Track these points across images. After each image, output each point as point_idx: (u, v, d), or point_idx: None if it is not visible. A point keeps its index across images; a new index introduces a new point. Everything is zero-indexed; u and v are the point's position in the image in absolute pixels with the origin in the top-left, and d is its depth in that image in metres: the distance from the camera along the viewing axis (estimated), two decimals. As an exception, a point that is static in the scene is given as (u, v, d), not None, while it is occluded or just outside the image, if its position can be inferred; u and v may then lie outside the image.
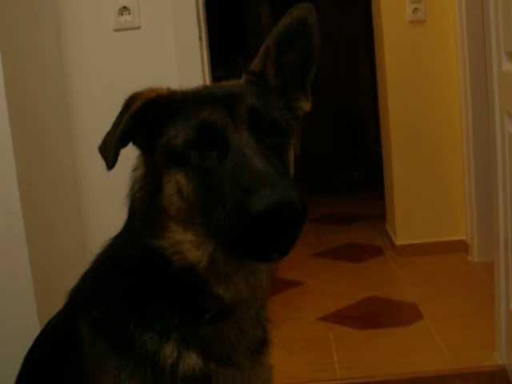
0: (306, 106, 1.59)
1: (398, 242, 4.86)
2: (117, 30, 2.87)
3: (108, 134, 1.39)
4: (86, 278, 1.55)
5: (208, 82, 2.79)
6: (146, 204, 1.43)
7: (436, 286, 4.16)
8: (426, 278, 4.37)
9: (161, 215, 1.40)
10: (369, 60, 8.42)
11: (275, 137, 1.40)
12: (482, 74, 4.10)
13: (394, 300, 4.05)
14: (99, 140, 1.40)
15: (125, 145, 1.40)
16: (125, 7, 2.82)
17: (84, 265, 1.53)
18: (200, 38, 2.77)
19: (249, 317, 1.53)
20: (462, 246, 4.68)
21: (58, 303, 1.55)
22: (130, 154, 1.44)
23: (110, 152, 1.36)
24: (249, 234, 1.24)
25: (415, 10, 4.55)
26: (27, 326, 2.30)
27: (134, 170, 1.49)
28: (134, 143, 1.44)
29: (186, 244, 1.38)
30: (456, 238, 4.74)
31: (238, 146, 1.32)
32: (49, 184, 2.73)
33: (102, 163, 1.37)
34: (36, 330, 1.71)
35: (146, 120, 1.39)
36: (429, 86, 4.65)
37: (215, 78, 3.10)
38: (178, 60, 2.76)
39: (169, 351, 1.42)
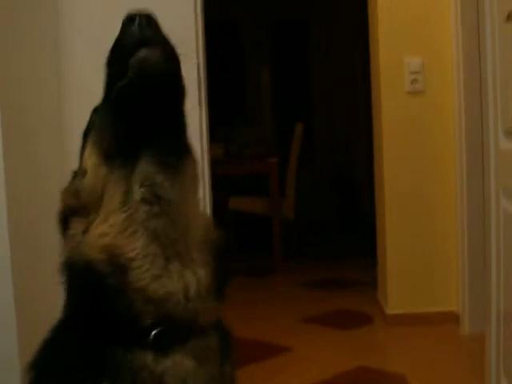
0: None
1: (389, 310, 4.82)
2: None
3: None
4: (32, 369, 1.47)
5: (206, 146, 2.80)
6: (72, 242, 1.42)
7: (425, 357, 4.11)
8: (416, 348, 4.32)
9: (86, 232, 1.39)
10: (365, 130, 8.50)
11: None
12: (479, 149, 4.11)
13: (382, 370, 4.00)
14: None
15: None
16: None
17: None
18: (200, 103, 2.78)
19: (207, 349, 1.42)
20: (453, 317, 4.65)
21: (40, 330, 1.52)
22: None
23: None
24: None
25: (414, 81, 4.60)
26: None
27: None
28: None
29: (102, 228, 1.36)
30: (447, 309, 4.71)
31: None
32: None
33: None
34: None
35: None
36: (426, 157, 4.68)
37: (215, 137, 3.12)
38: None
39: None
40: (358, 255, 7.15)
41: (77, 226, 1.43)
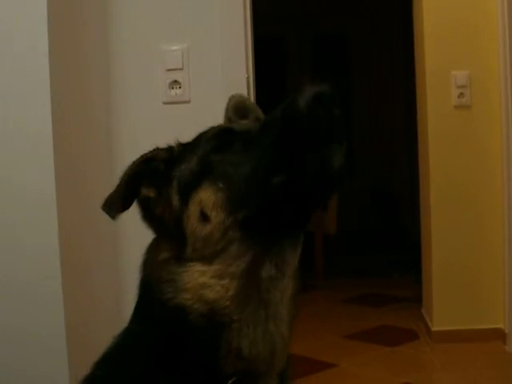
0: None
1: (434, 327, 4.77)
2: (166, 103, 2.91)
3: (110, 194, 1.43)
4: (97, 368, 1.47)
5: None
6: (163, 268, 1.40)
7: (471, 375, 4.05)
8: (462, 365, 4.26)
9: (182, 266, 1.36)
10: (405, 143, 8.46)
11: None
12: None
13: (429, 388, 3.96)
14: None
15: (128, 204, 1.44)
16: (176, 81, 2.86)
17: (120, 323, 1.50)
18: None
19: None
20: (500, 335, 4.58)
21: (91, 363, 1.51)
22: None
23: (112, 210, 1.41)
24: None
25: (460, 95, 4.57)
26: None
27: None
28: (143, 217, 1.46)
29: (209, 280, 1.33)
30: (494, 326, 4.63)
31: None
32: (88, 247, 2.74)
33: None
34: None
35: (148, 176, 1.45)
36: (473, 171, 4.63)
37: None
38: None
39: None
40: (400, 270, 7.09)
41: (164, 247, 1.41)
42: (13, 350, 2.51)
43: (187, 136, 2.78)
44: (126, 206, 1.43)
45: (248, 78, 2.80)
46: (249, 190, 1.30)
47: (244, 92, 2.74)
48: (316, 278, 6.92)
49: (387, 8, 8.96)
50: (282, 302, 1.37)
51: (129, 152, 2.86)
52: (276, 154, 1.28)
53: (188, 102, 2.87)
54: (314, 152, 1.25)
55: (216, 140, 1.40)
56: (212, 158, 1.38)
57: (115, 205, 1.41)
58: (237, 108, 1.64)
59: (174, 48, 2.86)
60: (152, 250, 1.44)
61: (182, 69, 2.85)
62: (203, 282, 1.33)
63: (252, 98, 2.82)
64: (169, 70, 2.86)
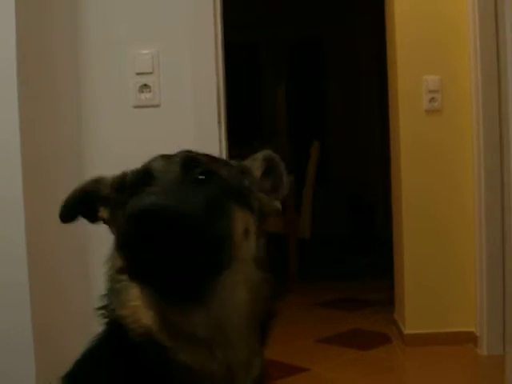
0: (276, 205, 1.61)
1: (407, 330, 4.78)
2: (136, 107, 2.90)
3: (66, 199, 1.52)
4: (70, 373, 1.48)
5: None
6: (111, 280, 1.41)
7: (444, 378, 4.08)
8: (434, 368, 4.28)
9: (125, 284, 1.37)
10: (380, 148, 8.49)
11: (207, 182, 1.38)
12: (497, 168, 4.12)
13: (402, 391, 3.97)
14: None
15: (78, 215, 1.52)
16: (145, 85, 2.85)
17: (88, 320, 1.49)
18: (219, 121, 2.78)
19: None
20: (471, 338, 4.60)
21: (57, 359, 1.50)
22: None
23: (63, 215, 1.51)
24: (130, 238, 1.20)
25: (432, 100, 4.59)
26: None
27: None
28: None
29: (142, 306, 1.33)
30: (465, 330, 4.66)
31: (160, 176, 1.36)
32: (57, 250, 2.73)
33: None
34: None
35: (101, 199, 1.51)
36: (444, 176, 4.65)
37: (230, 157, 3.11)
38: (195, 140, 2.76)
39: None
40: (373, 275, 7.12)
41: (115, 262, 1.41)
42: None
43: (157, 139, 2.79)
44: (75, 216, 1.51)
45: (218, 82, 2.80)
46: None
47: (214, 98, 2.75)
48: (289, 282, 6.91)
49: (360, 13, 9.00)
50: (221, 336, 1.34)
51: (99, 156, 2.87)
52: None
53: (158, 105, 2.87)
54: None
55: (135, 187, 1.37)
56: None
57: (66, 210, 1.50)
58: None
59: (144, 52, 2.85)
60: (112, 257, 1.44)
61: (151, 72, 2.85)
62: (136, 305, 1.34)
63: (222, 103, 2.82)
64: (139, 73, 2.86)
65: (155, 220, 1.17)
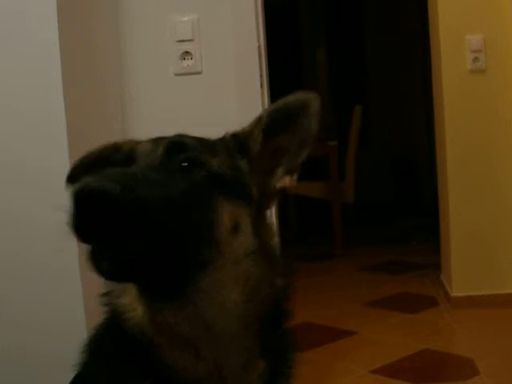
0: (289, 183, 1.46)
1: (454, 293, 4.76)
2: (178, 75, 2.90)
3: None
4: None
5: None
6: None
7: (493, 341, 4.05)
8: (483, 331, 4.25)
9: None
10: (424, 110, 8.40)
11: (190, 171, 1.29)
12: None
13: (448, 354, 3.95)
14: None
15: None
16: (187, 52, 2.84)
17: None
18: (261, 86, 2.77)
19: None
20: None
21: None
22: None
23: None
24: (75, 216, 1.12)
25: (475, 60, 4.52)
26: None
27: None
28: None
29: (134, 302, 1.31)
30: (514, 291, 4.64)
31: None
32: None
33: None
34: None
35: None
36: (488, 136, 4.60)
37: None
38: (238, 106, 2.75)
39: None
40: (419, 238, 7.08)
41: None
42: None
43: (200, 106, 2.79)
44: None
45: (259, 47, 2.78)
46: None
47: (255, 61, 2.73)
48: (334, 247, 6.92)
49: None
50: (208, 339, 1.29)
51: (142, 124, 2.87)
52: None
53: (200, 72, 2.86)
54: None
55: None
56: None
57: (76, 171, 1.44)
58: (277, 110, 1.42)
59: (185, 19, 2.84)
60: None
61: (192, 40, 2.84)
62: (130, 299, 1.32)
63: (264, 68, 2.80)
64: (179, 41, 2.85)
65: (92, 202, 1.09)
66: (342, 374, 3.73)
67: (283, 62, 8.65)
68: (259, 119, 1.42)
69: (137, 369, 1.31)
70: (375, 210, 8.61)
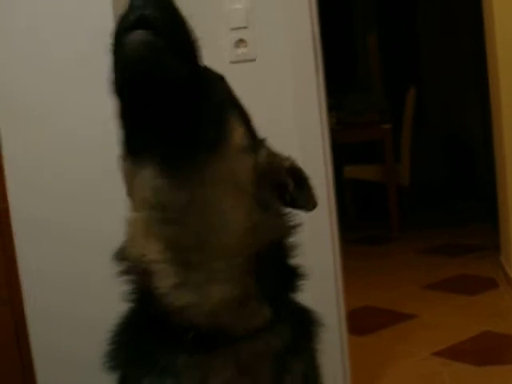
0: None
1: (514, 274, 4.71)
2: (233, 62, 2.90)
3: None
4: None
5: (324, 113, 2.78)
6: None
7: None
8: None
9: None
10: (478, 89, 8.30)
11: None
12: None
13: (509, 335, 3.91)
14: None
15: None
16: (241, 40, 2.85)
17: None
18: (317, 73, 2.76)
19: (254, 356, 1.32)
20: None
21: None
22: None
23: None
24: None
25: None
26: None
27: None
28: None
29: (136, 230, 1.30)
30: None
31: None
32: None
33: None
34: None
35: None
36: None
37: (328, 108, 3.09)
38: (294, 93, 2.76)
39: None
40: (476, 219, 7.03)
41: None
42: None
43: (255, 94, 2.79)
44: None
45: (313, 32, 2.77)
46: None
47: (311, 49, 2.73)
48: (391, 230, 6.90)
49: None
50: (188, 240, 1.26)
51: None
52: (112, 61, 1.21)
53: (254, 60, 2.86)
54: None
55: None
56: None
57: None
58: None
59: (238, 6, 2.85)
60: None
61: (246, 27, 2.84)
62: (127, 229, 1.32)
63: (318, 55, 2.79)
64: (233, 28, 2.85)
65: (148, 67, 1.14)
66: (404, 357, 3.73)
67: (336, 48, 8.62)
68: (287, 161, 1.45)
69: (156, 335, 1.32)
70: (431, 192, 8.54)
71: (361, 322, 4.22)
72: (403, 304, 4.60)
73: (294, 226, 1.39)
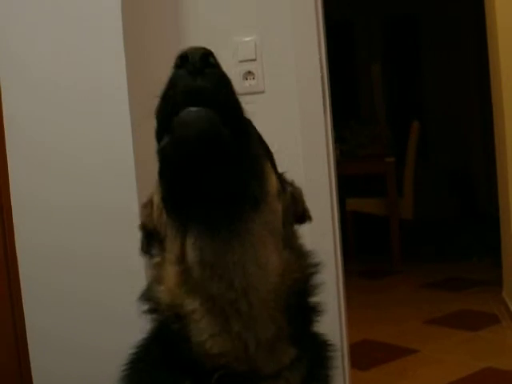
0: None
1: (517, 310, 4.70)
2: (241, 94, 2.91)
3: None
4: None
5: (331, 147, 2.79)
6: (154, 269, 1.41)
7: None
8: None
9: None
10: (481, 124, 8.33)
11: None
12: None
13: (511, 372, 3.90)
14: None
15: None
16: (249, 72, 2.86)
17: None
18: (324, 107, 2.77)
19: None
20: None
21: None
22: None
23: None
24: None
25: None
26: None
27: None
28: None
29: (164, 270, 1.34)
30: None
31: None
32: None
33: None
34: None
35: None
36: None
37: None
38: (301, 124, 2.76)
39: None
40: (478, 254, 7.01)
41: (157, 253, 1.42)
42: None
43: (262, 126, 2.80)
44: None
45: (321, 66, 2.78)
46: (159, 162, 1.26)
47: (318, 81, 2.74)
48: (393, 264, 6.89)
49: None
50: (236, 298, 1.29)
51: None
52: (160, 118, 1.25)
53: (262, 92, 2.87)
54: (173, 116, 1.19)
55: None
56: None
57: None
58: None
59: (247, 39, 2.86)
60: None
61: (255, 59, 2.85)
62: (162, 272, 1.35)
63: (326, 87, 2.80)
64: (242, 61, 2.87)
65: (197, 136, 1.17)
66: (405, 393, 3.72)
67: (339, 80, 8.65)
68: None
69: (175, 368, 1.34)
70: (433, 226, 8.53)
71: (361, 356, 4.19)
72: (405, 339, 4.57)
73: (316, 265, 1.44)
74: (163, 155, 1.22)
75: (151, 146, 2.65)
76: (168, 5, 2.94)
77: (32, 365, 2.62)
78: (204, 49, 1.22)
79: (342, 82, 8.89)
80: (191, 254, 1.27)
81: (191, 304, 1.29)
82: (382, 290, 6.19)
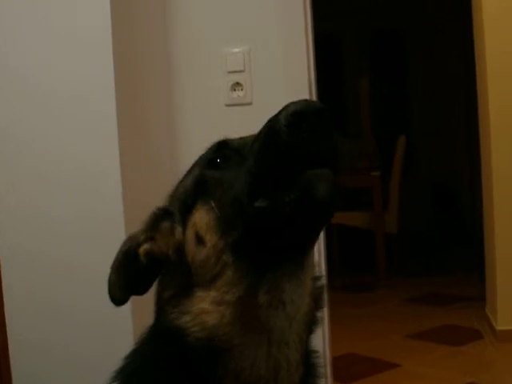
0: None
1: (499, 326, 4.71)
2: (229, 105, 2.92)
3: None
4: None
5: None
6: (172, 289, 1.39)
7: (539, 376, 4.01)
8: (529, 366, 4.22)
9: (188, 293, 1.35)
10: (465, 139, 8.38)
11: None
12: None
13: (494, 388, 3.92)
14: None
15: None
16: (237, 83, 2.87)
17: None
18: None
19: None
20: None
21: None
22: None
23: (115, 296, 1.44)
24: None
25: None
26: None
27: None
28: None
29: (208, 306, 1.31)
30: None
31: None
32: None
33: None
34: None
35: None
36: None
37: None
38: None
39: None
40: (462, 269, 7.03)
41: (169, 283, 1.40)
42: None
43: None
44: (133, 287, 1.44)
45: (310, 78, 2.78)
46: (235, 211, 1.24)
47: (306, 94, 2.74)
48: (378, 278, 6.90)
49: (445, 3, 8.87)
50: (287, 327, 1.31)
51: (190, 154, 2.89)
52: (257, 175, 1.20)
53: (250, 103, 2.87)
54: (293, 177, 1.14)
55: (211, 154, 1.36)
56: (206, 174, 1.34)
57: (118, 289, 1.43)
58: None
59: (236, 50, 2.87)
60: (160, 285, 1.43)
61: (243, 71, 2.86)
62: (202, 307, 1.32)
63: (314, 99, 2.81)
64: (230, 72, 2.87)
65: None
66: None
67: (326, 91, 8.67)
68: None
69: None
70: (418, 240, 8.56)
71: (344, 369, 4.18)
72: (387, 353, 4.58)
73: (322, 278, 1.45)
74: (277, 212, 1.18)
75: (137, 155, 2.67)
76: (157, 16, 2.94)
77: (13, 372, 2.61)
78: (319, 104, 1.17)
79: (329, 96, 8.92)
80: (266, 298, 1.28)
81: (239, 337, 1.30)
82: (366, 303, 6.20)
